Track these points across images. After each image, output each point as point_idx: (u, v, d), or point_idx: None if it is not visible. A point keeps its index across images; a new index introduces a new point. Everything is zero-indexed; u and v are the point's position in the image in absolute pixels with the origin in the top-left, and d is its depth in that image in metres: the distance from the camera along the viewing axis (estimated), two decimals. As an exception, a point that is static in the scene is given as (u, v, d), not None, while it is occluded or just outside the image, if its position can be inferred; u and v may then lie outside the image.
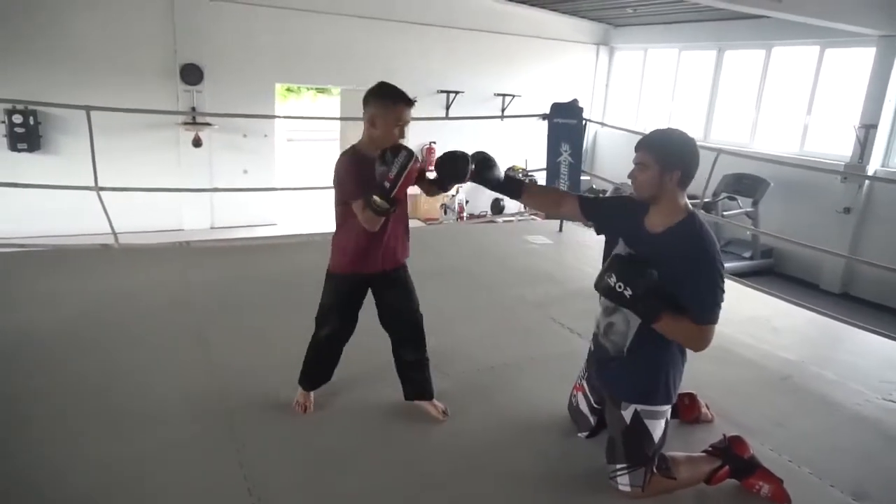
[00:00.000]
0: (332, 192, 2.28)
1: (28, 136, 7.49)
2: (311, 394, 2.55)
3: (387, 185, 2.05)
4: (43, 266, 4.25)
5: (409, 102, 2.20)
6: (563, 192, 2.53)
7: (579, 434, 2.45)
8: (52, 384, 2.67)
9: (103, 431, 2.36)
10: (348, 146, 2.33)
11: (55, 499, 2.02)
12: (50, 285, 3.79)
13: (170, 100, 8.21)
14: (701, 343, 1.97)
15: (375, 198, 2.08)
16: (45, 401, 2.54)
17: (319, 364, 2.53)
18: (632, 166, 2.04)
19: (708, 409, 2.63)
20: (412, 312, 2.48)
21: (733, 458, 2.16)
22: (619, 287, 1.92)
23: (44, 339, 3.07)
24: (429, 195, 2.58)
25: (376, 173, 2.07)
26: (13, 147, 7.43)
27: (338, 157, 2.28)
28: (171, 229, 8.21)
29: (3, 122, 7.35)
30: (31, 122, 7.46)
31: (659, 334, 1.99)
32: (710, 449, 2.21)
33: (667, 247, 1.97)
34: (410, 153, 2.07)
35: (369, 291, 2.45)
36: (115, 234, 4.63)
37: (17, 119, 7.36)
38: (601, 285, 2.00)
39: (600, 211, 2.30)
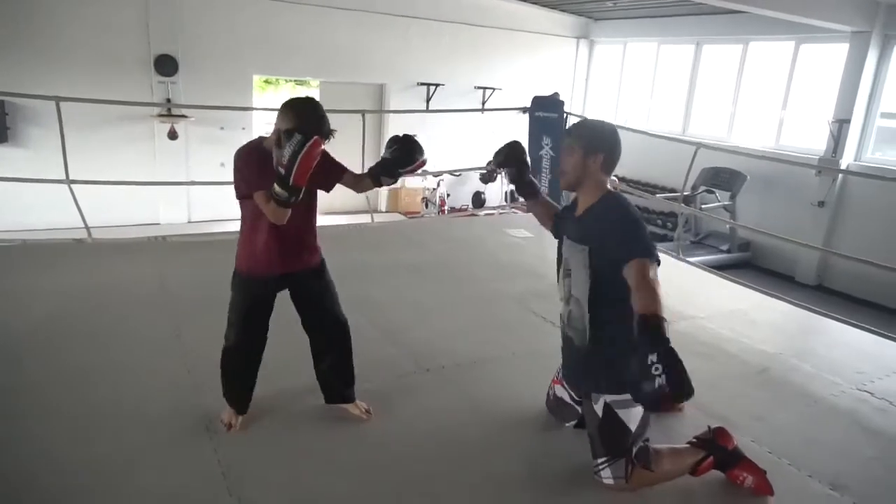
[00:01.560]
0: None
1: (-4, 128, 7.28)
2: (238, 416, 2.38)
3: (281, 170, 1.94)
4: (13, 261, 4.13)
5: (326, 137, 2.07)
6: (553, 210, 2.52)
7: (567, 424, 2.45)
8: (23, 383, 2.60)
9: (78, 430, 2.30)
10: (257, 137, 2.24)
11: (29, 499, 1.96)
12: (20, 281, 3.68)
13: (144, 91, 8.02)
14: (649, 287, 1.80)
15: (275, 186, 1.97)
16: (16, 399, 2.48)
17: (232, 378, 2.36)
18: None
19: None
20: (334, 317, 2.39)
21: (718, 449, 2.18)
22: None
23: (14, 336, 2.98)
24: (358, 190, 2.44)
25: (273, 161, 1.98)
26: (-20, 139, 7.23)
27: (238, 148, 2.18)
28: (146, 223, 8.06)
29: (-30, 113, 7.14)
30: (-1, 113, 7.26)
31: (614, 315, 2.00)
32: (694, 440, 2.22)
33: (591, 221, 2.09)
34: (305, 137, 1.94)
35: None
36: (87, 228, 4.52)
37: (-15, 110, 7.15)
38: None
39: (558, 223, 2.38)
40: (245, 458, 2.21)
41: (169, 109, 8.05)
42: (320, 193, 2.31)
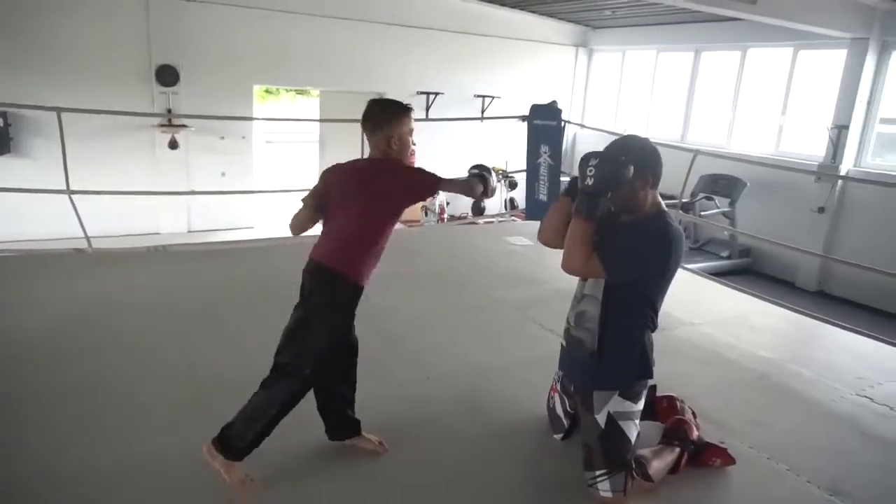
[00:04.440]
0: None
1: (-2, 139, 7.33)
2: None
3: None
4: (14, 271, 4.14)
5: (412, 109, 2.26)
6: None
7: (555, 436, 2.45)
8: (28, 393, 2.60)
9: (85, 440, 2.30)
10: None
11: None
12: (21, 291, 3.69)
13: (145, 101, 8.07)
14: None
15: (489, 175, 2.26)
16: (16, 410, 2.48)
17: (270, 424, 2.07)
18: None
19: (695, 416, 2.49)
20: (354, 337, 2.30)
21: (688, 442, 2.24)
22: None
23: (17, 346, 2.99)
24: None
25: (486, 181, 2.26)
26: (-18, 150, 7.27)
27: (392, 164, 2.16)
28: (147, 233, 8.08)
29: (-27, 124, 7.19)
30: (2, 124, 7.29)
31: (626, 309, 2.07)
32: (664, 439, 2.27)
33: None
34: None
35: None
36: (87, 238, 4.54)
37: (-13, 121, 7.20)
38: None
39: None
40: (251, 464, 2.20)
41: (170, 119, 8.09)
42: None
